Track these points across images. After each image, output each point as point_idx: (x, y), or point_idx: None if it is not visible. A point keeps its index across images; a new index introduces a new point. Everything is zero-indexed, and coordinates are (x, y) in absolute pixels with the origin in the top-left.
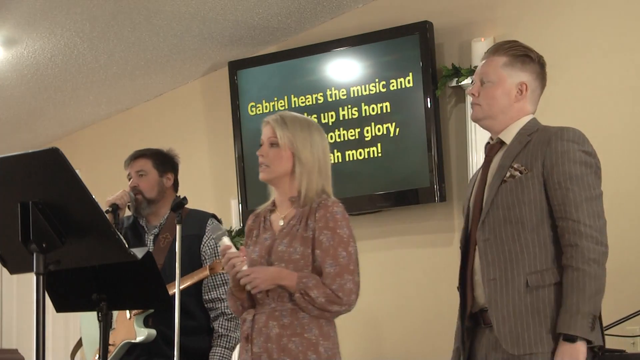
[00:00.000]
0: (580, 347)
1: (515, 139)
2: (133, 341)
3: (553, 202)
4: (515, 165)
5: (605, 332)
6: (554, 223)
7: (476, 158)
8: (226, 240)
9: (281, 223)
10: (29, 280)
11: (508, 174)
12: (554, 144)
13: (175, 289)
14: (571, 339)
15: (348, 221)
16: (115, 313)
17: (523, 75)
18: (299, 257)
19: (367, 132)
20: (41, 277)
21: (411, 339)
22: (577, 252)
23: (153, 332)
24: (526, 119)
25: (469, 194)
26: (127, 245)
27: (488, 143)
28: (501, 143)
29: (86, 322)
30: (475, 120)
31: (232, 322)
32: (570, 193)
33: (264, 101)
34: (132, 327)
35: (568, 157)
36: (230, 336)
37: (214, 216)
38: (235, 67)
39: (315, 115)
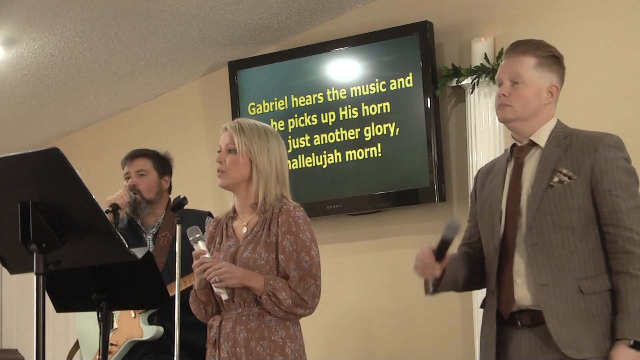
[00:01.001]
0: None
1: (551, 142)
2: (140, 339)
3: (602, 210)
4: (564, 171)
5: None
6: (599, 229)
7: (476, 158)
8: (201, 245)
9: (244, 230)
10: (29, 280)
11: (556, 179)
12: (601, 151)
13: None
14: (636, 345)
15: (310, 225)
16: (117, 313)
17: (552, 77)
18: (263, 263)
19: (367, 132)
20: (41, 277)
21: (411, 339)
22: (634, 259)
23: (160, 329)
24: (553, 122)
25: (496, 195)
26: (127, 245)
27: (514, 145)
28: (531, 145)
29: (82, 324)
30: (505, 121)
31: None
32: (620, 201)
33: (264, 101)
34: (137, 326)
35: (616, 165)
36: None
37: (210, 214)
38: (235, 67)
39: (315, 115)
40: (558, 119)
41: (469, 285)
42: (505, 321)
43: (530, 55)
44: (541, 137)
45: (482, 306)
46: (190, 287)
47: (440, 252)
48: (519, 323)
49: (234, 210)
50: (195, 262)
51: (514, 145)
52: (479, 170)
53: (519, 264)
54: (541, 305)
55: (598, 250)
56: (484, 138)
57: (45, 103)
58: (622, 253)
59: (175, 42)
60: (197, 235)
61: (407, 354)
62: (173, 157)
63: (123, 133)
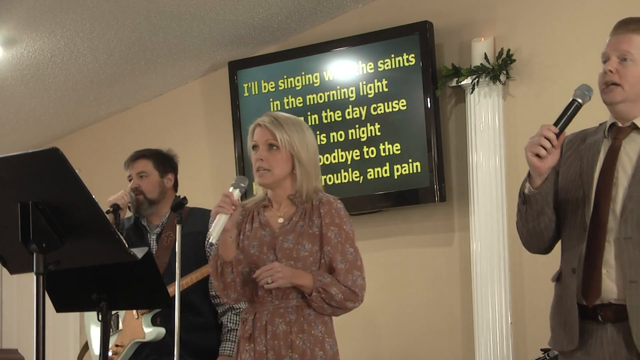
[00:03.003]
0: None
1: None
2: (142, 340)
3: None
4: None
5: None
6: None
7: (476, 158)
8: (236, 194)
9: (281, 220)
10: (29, 280)
11: None
12: None
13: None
14: None
15: (349, 218)
16: (122, 314)
17: None
18: (307, 254)
19: (367, 132)
20: (41, 277)
21: (411, 339)
22: None
23: (162, 330)
24: None
25: (583, 170)
26: (127, 245)
27: (614, 124)
28: (633, 129)
29: (92, 326)
30: (612, 103)
31: (240, 316)
32: None
33: (264, 101)
34: (140, 327)
35: None
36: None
37: None
38: (235, 67)
39: (315, 115)
40: None
41: (547, 225)
42: (584, 313)
43: None
44: None
45: (556, 280)
46: (192, 286)
47: (564, 117)
48: (600, 317)
49: (267, 200)
50: (221, 198)
51: (612, 124)
52: (570, 135)
53: (609, 254)
54: (627, 303)
55: None
56: (484, 138)
57: (45, 103)
58: None
59: (175, 42)
60: (242, 185)
61: (407, 354)
62: (177, 154)
63: (123, 133)
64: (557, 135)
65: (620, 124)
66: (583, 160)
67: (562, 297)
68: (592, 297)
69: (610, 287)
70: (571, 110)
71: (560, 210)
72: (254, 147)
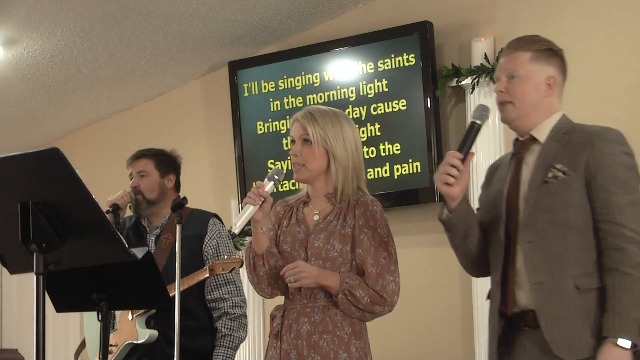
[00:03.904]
0: (629, 352)
1: (551, 137)
2: (135, 342)
3: (595, 205)
4: (558, 166)
5: None
6: (594, 226)
7: (476, 158)
8: (268, 186)
9: (316, 218)
10: (29, 280)
11: (550, 175)
12: (597, 145)
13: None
14: (621, 342)
15: (387, 221)
16: (117, 314)
17: (550, 69)
18: (337, 255)
19: (367, 131)
20: (41, 277)
21: (411, 339)
22: (624, 256)
23: (155, 332)
24: (557, 116)
25: (500, 188)
26: (127, 245)
27: (517, 139)
28: (532, 140)
29: (89, 324)
30: (507, 121)
31: (235, 322)
32: (614, 196)
33: (264, 101)
34: (134, 328)
35: (613, 160)
36: (234, 336)
37: (215, 216)
38: (235, 67)
39: None
40: (564, 114)
41: (476, 246)
42: (509, 321)
43: (524, 50)
44: (542, 132)
45: (488, 297)
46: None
47: (466, 141)
48: (522, 324)
49: (307, 196)
50: (252, 189)
51: (516, 139)
52: (490, 165)
53: (519, 262)
54: (535, 305)
55: (595, 247)
56: (484, 138)
57: (45, 103)
58: (612, 249)
59: (175, 42)
60: (277, 177)
61: (406, 353)
62: (179, 155)
63: (123, 133)
64: (463, 160)
65: (521, 138)
66: (497, 182)
67: (490, 312)
68: (509, 306)
69: (524, 293)
70: (472, 132)
71: (485, 233)
72: (292, 142)
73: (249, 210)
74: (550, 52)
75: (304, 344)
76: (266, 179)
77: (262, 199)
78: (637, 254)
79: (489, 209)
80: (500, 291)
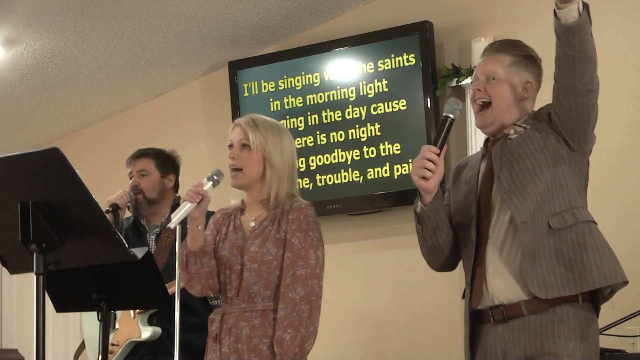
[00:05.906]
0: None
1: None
2: (138, 339)
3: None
4: (518, 123)
5: (605, 332)
6: (567, 164)
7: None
8: (207, 186)
9: (252, 224)
10: (29, 280)
11: (512, 131)
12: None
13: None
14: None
15: (319, 225)
16: (118, 314)
17: (528, 76)
18: (271, 258)
19: (367, 132)
20: (41, 277)
21: (411, 339)
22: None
23: (158, 330)
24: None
25: (471, 187)
26: (127, 245)
27: (488, 139)
28: (504, 139)
29: (88, 324)
30: (482, 126)
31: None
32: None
33: (263, 101)
34: (136, 326)
35: None
36: None
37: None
38: (235, 67)
39: (315, 115)
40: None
41: (444, 240)
42: (480, 317)
43: (505, 53)
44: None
45: (462, 296)
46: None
47: (440, 135)
48: (492, 319)
49: (242, 204)
50: (190, 189)
51: (487, 139)
52: (455, 166)
53: (492, 255)
54: (521, 245)
55: (566, 185)
56: (484, 138)
57: (45, 103)
58: None
59: (175, 42)
60: (216, 178)
61: (407, 353)
62: (179, 155)
63: (123, 133)
64: (438, 154)
65: (492, 138)
66: (466, 183)
67: (464, 310)
68: (475, 299)
69: (496, 285)
70: (446, 126)
71: (456, 233)
72: (230, 146)
73: (187, 207)
74: (531, 59)
75: (244, 347)
76: (205, 179)
77: (200, 197)
78: None
79: (459, 209)
80: (471, 287)
